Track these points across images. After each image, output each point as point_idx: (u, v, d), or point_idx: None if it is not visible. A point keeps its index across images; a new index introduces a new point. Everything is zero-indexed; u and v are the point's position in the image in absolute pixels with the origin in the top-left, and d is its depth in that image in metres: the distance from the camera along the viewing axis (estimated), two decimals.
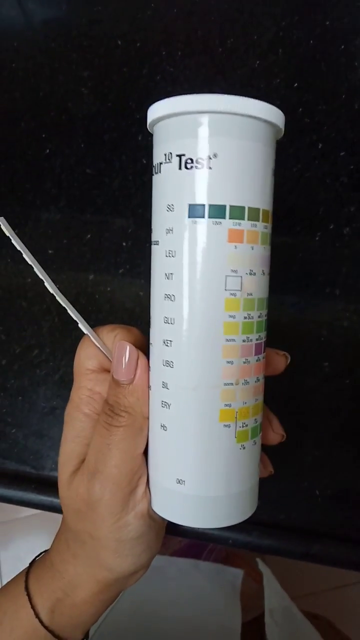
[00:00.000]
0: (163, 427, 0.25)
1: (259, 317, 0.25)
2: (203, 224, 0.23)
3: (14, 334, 0.41)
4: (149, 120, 0.26)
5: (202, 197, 0.23)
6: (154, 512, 0.27)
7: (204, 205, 0.23)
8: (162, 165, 0.24)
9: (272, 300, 0.40)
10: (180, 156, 0.23)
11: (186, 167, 0.23)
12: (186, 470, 0.25)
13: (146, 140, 0.45)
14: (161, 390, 0.25)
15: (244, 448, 0.25)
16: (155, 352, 0.26)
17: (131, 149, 0.45)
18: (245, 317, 0.24)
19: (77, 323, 0.28)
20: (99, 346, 0.28)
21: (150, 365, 0.26)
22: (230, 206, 0.23)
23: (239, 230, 0.23)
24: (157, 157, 0.25)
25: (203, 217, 0.23)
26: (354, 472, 0.36)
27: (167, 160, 0.24)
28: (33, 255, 0.43)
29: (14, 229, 0.44)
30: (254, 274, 0.24)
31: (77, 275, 0.42)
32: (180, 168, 0.23)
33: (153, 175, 0.26)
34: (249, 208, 0.23)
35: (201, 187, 0.23)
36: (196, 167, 0.23)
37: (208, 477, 0.25)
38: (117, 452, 0.26)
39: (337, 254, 0.41)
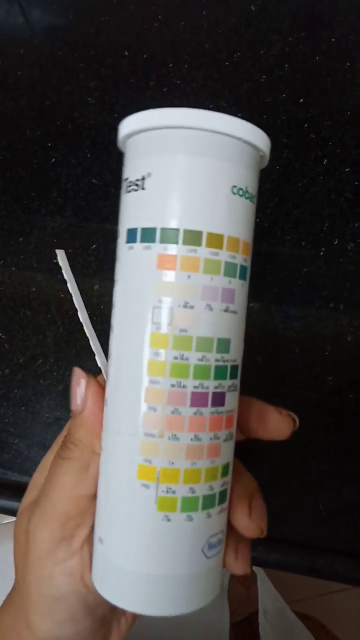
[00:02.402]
0: (99, 473, 0.23)
1: (200, 359, 0.20)
2: (135, 249, 0.21)
3: (17, 343, 0.41)
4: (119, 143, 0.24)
5: (135, 221, 0.21)
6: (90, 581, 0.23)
7: (136, 229, 0.21)
8: (121, 193, 0.23)
9: (277, 315, 0.40)
10: (124, 180, 0.22)
11: (127, 191, 0.21)
12: (103, 528, 0.22)
13: None
14: (102, 432, 0.23)
15: (168, 520, 0.20)
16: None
17: None
18: (175, 357, 0.20)
19: (95, 355, 0.27)
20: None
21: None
22: (161, 229, 0.20)
23: (170, 256, 0.20)
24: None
25: (135, 241, 0.21)
26: (358, 487, 0.36)
27: (122, 187, 0.23)
28: (38, 264, 0.43)
29: (19, 238, 0.44)
30: (191, 307, 0.20)
31: (83, 285, 0.42)
32: (125, 192, 0.22)
33: None
34: (184, 230, 0.20)
35: (136, 209, 0.21)
36: (134, 189, 0.21)
37: (123, 542, 0.21)
38: (56, 487, 0.23)
39: (342, 269, 0.41)
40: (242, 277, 0.22)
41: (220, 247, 0.20)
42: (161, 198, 0.20)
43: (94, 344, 0.26)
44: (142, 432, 0.20)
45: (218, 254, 0.20)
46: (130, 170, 0.21)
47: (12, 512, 0.37)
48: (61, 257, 0.27)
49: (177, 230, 0.20)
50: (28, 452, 0.39)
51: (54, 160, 0.46)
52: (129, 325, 0.21)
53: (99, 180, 0.45)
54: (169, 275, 0.20)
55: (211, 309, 0.21)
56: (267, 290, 0.41)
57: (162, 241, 0.20)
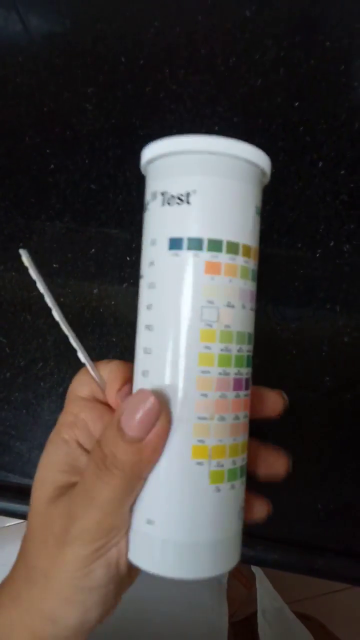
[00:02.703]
0: None
1: (238, 350, 0.24)
2: (181, 256, 0.23)
3: (18, 347, 0.42)
4: (142, 164, 0.27)
5: (181, 231, 0.23)
6: (126, 561, 0.25)
7: (182, 238, 0.23)
8: (149, 203, 0.25)
9: (274, 316, 0.41)
10: (163, 193, 0.24)
11: (168, 204, 0.24)
12: (156, 510, 0.24)
13: None
14: None
15: (218, 490, 0.23)
16: (136, 382, 0.25)
17: (135, 166, 0.46)
18: (222, 350, 0.23)
19: (77, 351, 0.28)
20: (93, 375, 0.28)
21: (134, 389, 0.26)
22: (208, 239, 0.23)
23: (216, 263, 0.23)
24: (146, 197, 0.26)
25: (181, 249, 0.23)
26: (356, 486, 0.36)
27: (153, 198, 0.25)
28: (38, 269, 0.44)
29: (18, 243, 0.45)
30: (233, 306, 0.24)
31: (82, 289, 0.43)
32: (163, 204, 0.24)
33: (143, 214, 0.26)
34: (227, 242, 0.23)
35: (181, 221, 0.23)
36: (177, 203, 0.23)
37: (178, 518, 0.23)
38: (99, 511, 0.23)
39: (338, 271, 0.41)
40: (256, 280, 0.26)
41: (249, 256, 0.24)
42: (207, 213, 0.23)
43: (74, 341, 0.28)
44: (195, 417, 0.23)
45: (248, 262, 0.24)
46: (171, 186, 0.24)
47: (14, 515, 0.38)
48: (25, 257, 0.27)
49: (221, 241, 0.23)
50: (29, 455, 0.40)
51: (52, 166, 0.47)
52: (176, 324, 0.23)
53: (97, 186, 0.46)
54: (216, 279, 0.23)
55: (243, 307, 0.24)
56: (264, 292, 0.41)
57: (209, 250, 0.23)
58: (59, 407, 0.40)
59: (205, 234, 0.23)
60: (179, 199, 0.23)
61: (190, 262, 0.23)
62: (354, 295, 0.41)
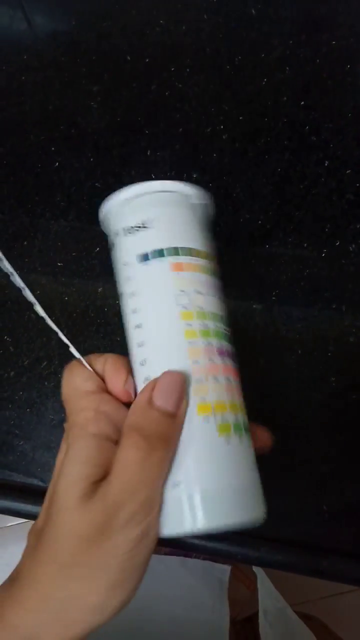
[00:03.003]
0: None
1: (215, 327, 0.29)
2: (151, 264, 0.29)
3: (22, 345, 0.41)
4: (101, 219, 0.34)
5: (145, 247, 0.30)
6: (156, 533, 0.26)
7: (147, 252, 0.30)
8: (114, 241, 0.32)
9: (279, 316, 0.41)
10: (124, 229, 0.31)
11: (130, 233, 0.31)
12: (178, 471, 0.26)
13: (155, 156, 0.46)
14: None
15: (228, 441, 0.27)
16: (136, 372, 0.29)
17: (140, 164, 0.46)
18: (200, 325, 0.28)
19: (68, 347, 0.30)
20: (89, 368, 0.29)
21: (137, 386, 0.29)
22: (166, 248, 0.29)
23: (178, 263, 0.29)
24: (110, 239, 0.33)
25: (149, 259, 0.29)
26: None
27: (116, 236, 0.32)
28: (42, 268, 0.44)
29: (23, 241, 0.45)
30: (201, 293, 0.29)
31: (86, 288, 0.43)
32: (125, 235, 0.31)
33: (112, 253, 0.33)
34: (180, 247, 0.30)
35: (143, 241, 0.30)
36: (137, 230, 0.30)
37: (199, 471, 0.26)
38: (149, 489, 0.25)
39: (344, 271, 0.41)
40: (216, 275, 0.31)
41: (203, 257, 0.31)
42: (161, 231, 0.30)
43: (63, 337, 0.30)
44: (193, 380, 0.27)
45: (202, 261, 0.30)
46: (129, 221, 0.31)
47: (18, 514, 0.38)
48: None
49: (177, 247, 0.30)
50: (33, 454, 0.39)
51: (57, 164, 0.47)
52: (161, 313, 0.29)
53: (102, 184, 0.46)
54: (181, 274, 0.29)
55: (210, 294, 0.30)
56: (269, 291, 0.41)
57: (169, 255, 0.29)
58: (63, 406, 0.40)
59: (164, 245, 0.29)
60: (137, 227, 0.30)
61: (158, 266, 0.29)
62: None
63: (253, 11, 0.50)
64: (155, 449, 0.25)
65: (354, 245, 0.42)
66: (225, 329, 0.30)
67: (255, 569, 0.66)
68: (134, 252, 0.30)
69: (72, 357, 0.41)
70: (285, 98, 0.47)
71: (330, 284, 0.41)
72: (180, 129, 0.47)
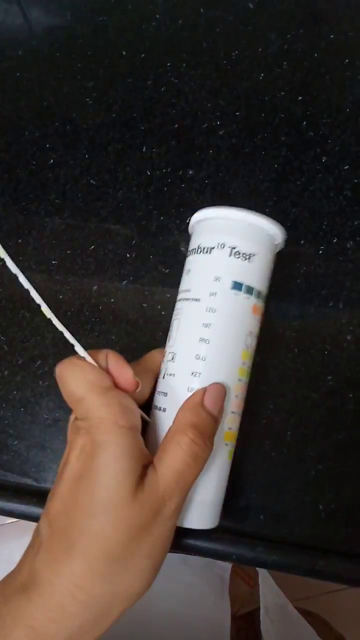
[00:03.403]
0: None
1: (249, 368, 0.33)
2: (240, 296, 0.32)
3: (16, 344, 0.41)
4: (203, 216, 0.34)
5: (243, 278, 0.32)
6: None
7: (242, 283, 0.32)
8: (213, 249, 0.33)
9: (275, 314, 0.40)
10: (232, 247, 0.32)
11: (235, 256, 0.32)
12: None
13: (150, 152, 0.46)
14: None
15: (229, 466, 0.33)
16: (178, 380, 0.32)
17: (135, 161, 0.45)
18: (247, 366, 0.33)
19: (74, 346, 0.30)
20: (94, 364, 0.30)
21: (170, 389, 0.32)
22: (257, 290, 0.33)
23: (257, 306, 0.33)
24: (206, 242, 0.33)
25: (241, 290, 0.32)
26: (358, 487, 0.36)
27: (219, 247, 0.33)
28: (37, 266, 0.43)
29: (17, 239, 0.44)
30: (255, 337, 0.33)
31: (81, 286, 0.42)
32: (230, 255, 0.32)
33: (198, 254, 0.34)
34: (261, 292, 0.33)
35: (241, 271, 0.32)
36: (242, 259, 0.32)
37: (213, 483, 0.32)
38: (192, 481, 0.29)
39: (341, 268, 0.41)
40: None
41: (264, 301, 0.34)
42: (259, 271, 0.33)
43: (69, 336, 0.31)
44: (230, 411, 0.32)
45: (264, 305, 0.34)
46: (241, 245, 0.32)
47: (12, 514, 0.37)
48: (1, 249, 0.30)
49: (261, 291, 0.33)
50: (27, 454, 0.39)
51: (52, 161, 0.46)
52: (229, 343, 0.32)
53: (97, 181, 0.45)
54: (254, 317, 0.33)
55: (256, 338, 0.34)
56: None
57: (255, 296, 0.33)
58: (58, 405, 0.40)
59: (256, 285, 0.33)
60: (244, 256, 0.32)
61: (244, 302, 0.32)
62: (357, 292, 0.40)
63: (250, 5, 0.49)
64: (207, 446, 0.29)
65: (351, 242, 0.41)
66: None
67: None
68: (231, 277, 0.32)
69: (68, 356, 0.41)
70: (282, 93, 0.46)
71: (328, 281, 0.41)
72: (176, 125, 0.46)
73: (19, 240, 0.44)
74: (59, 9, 0.51)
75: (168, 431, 0.29)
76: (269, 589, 0.59)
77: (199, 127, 0.46)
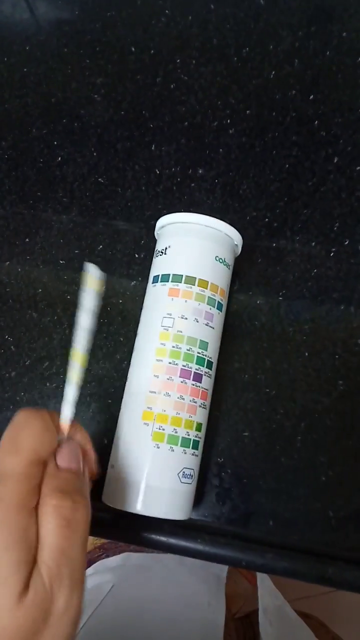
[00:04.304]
0: (118, 421, 0.34)
1: (188, 350, 0.33)
2: (156, 286, 0.35)
3: (24, 345, 0.41)
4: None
5: (159, 271, 0.35)
6: None
7: (158, 275, 0.35)
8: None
9: (286, 317, 0.40)
10: (155, 251, 0.37)
11: (156, 256, 0.36)
12: (115, 456, 0.32)
13: (159, 150, 0.45)
14: (124, 395, 0.35)
15: (158, 447, 0.31)
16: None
17: (144, 159, 0.45)
18: (173, 347, 0.33)
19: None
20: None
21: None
22: (172, 274, 0.34)
23: (176, 289, 0.34)
24: None
25: (157, 282, 0.35)
26: None
27: (153, 257, 0.37)
28: (44, 265, 0.43)
29: (25, 238, 0.44)
30: (185, 318, 0.33)
31: None
32: (155, 257, 0.37)
33: None
34: (185, 276, 0.34)
35: (160, 265, 0.35)
36: (160, 255, 0.36)
37: (128, 462, 0.31)
38: (82, 551, 0.24)
39: (353, 270, 0.40)
40: (219, 308, 0.35)
41: (205, 287, 0.34)
42: (175, 258, 0.35)
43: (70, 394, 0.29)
44: (148, 390, 0.32)
45: (204, 291, 0.34)
46: (159, 245, 0.36)
47: None
48: (94, 273, 0.28)
49: (181, 275, 0.34)
50: None
51: (60, 158, 0.46)
52: (149, 329, 0.34)
53: (106, 179, 0.45)
54: (174, 300, 0.34)
55: (197, 321, 0.34)
56: (276, 291, 0.40)
57: (173, 281, 0.34)
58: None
59: (171, 271, 0.34)
60: (161, 252, 0.36)
61: (160, 289, 0.34)
62: None
63: (261, 1, 0.48)
64: (77, 502, 0.24)
65: None
66: (201, 353, 0.33)
67: None
68: (152, 273, 0.36)
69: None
70: (293, 91, 0.46)
71: (339, 283, 0.40)
72: (186, 123, 0.46)
73: (27, 239, 0.44)
74: (67, 4, 0.50)
75: None
76: (267, 590, 0.59)
77: (209, 125, 0.45)
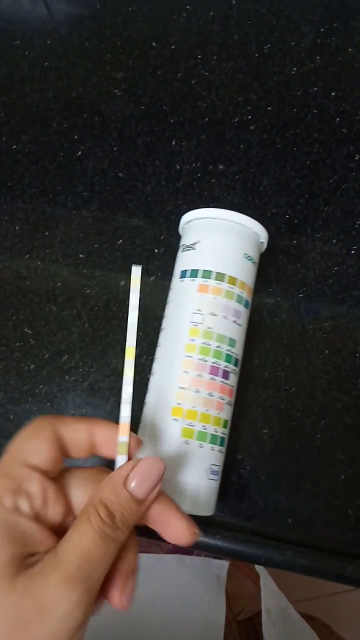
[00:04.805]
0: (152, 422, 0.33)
1: (217, 347, 0.33)
2: (185, 282, 0.34)
3: (43, 338, 0.41)
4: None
5: (187, 266, 0.35)
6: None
7: (187, 270, 0.35)
8: (177, 254, 0.37)
9: (306, 314, 0.40)
10: (182, 245, 0.36)
11: (184, 250, 0.36)
12: (144, 451, 0.32)
13: (180, 146, 0.45)
14: (148, 395, 0.34)
15: (187, 444, 0.31)
16: (154, 372, 0.35)
17: (165, 154, 0.45)
18: (203, 343, 0.32)
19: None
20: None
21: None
22: (202, 270, 0.34)
23: (206, 285, 0.33)
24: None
25: (185, 277, 0.34)
26: None
27: (179, 250, 0.37)
28: (64, 259, 0.43)
29: (44, 232, 0.44)
30: (215, 315, 0.33)
31: (109, 281, 0.42)
32: (182, 251, 0.36)
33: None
34: (216, 272, 0.34)
35: (188, 259, 0.35)
36: (188, 249, 0.35)
37: (170, 464, 0.30)
38: (105, 567, 0.23)
39: None
40: (246, 306, 0.35)
41: (234, 284, 0.34)
42: (204, 254, 0.34)
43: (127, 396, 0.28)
44: (178, 386, 0.32)
45: (233, 288, 0.34)
46: (187, 240, 0.36)
47: None
48: (136, 274, 0.28)
49: (211, 271, 0.34)
50: None
51: (80, 153, 0.46)
52: (177, 324, 0.34)
53: (126, 174, 0.45)
54: (204, 296, 0.33)
55: (226, 318, 0.33)
56: (297, 289, 0.40)
57: (202, 277, 0.34)
58: (84, 401, 0.39)
59: (201, 267, 0.34)
60: (189, 247, 0.35)
61: (189, 285, 0.34)
62: None
63: None
64: (121, 533, 0.24)
65: None
66: (230, 351, 0.33)
67: (257, 568, 0.65)
68: (179, 268, 0.36)
69: (94, 351, 0.41)
70: (315, 88, 0.45)
71: None
72: (207, 119, 0.45)
73: (46, 233, 0.44)
74: None
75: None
76: (270, 591, 0.59)
77: (230, 121, 0.45)
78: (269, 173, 0.44)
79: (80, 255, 0.43)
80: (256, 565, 0.66)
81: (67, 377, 0.40)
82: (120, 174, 0.45)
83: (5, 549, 0.23)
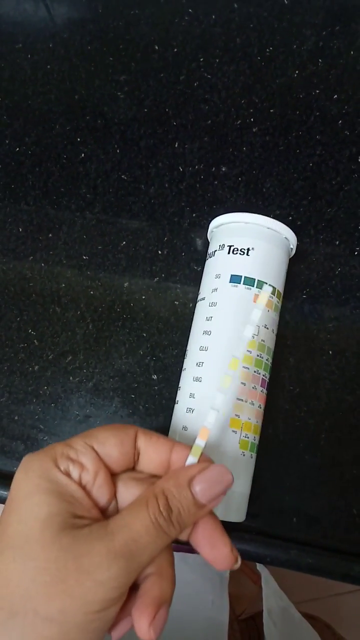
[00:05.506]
0: (184, 428, 0.32)
1: (266, 360, 0.34)
2: (239, 288, 0.33)
3: (47, 339, 0.41)
4: (212, 225, 0.37)
5: (241, 271, 0.34)
6: None
7: (241, 275, 0.34)
8: (216, 251, 0.36)
9: (310, 315, 0.40)
10: (230, 246, 0.35)
11: (232, 252, 0.35)
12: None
13: (183, 148, 0.45)
14: (188, 400, 0.33)
15: (243, 455, 0.32)
16: (187, 371, 0.34)
17: (167, 156, 0.45)
18: (257, 355, 0.33)
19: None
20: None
21: (182, 382, 0.34)
22: (257, 280, 0.33)
23: (260, 295, 0.32)
24: (213, 247, 0.36)
25: (239, 283, 0.34)
26: None
27: (220, 249, 0.35)
28: (68, 260, 0.43)
29: (48, 233, 0.44)
30: (267, 328, 0.34)
31: (112, 283, 0.42)
32: (229, 253, 0.35)
33: (207, 259, 0.37)
34: (262, 281, 0.34)
35: (239, 264, 0.34)
36: (240, 253, 0.34)
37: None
38: (148, 557, 0.23)
39: None
40: (279, 313, 0.36)
41: (279, 297, 0.35)
42: (260, 264, 0.34)
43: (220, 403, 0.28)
44: (235, 397, 0.32)
45: (279, 302, 0.35)
46: (236, 242, 0.35)
47: None
48: (266, 294, 0.29)
49: (265, 283, 0.34)
50: None
51: (83, 155, 0.46)
52: (230, 331, 0.33)
53: (129, 176, 0.45)
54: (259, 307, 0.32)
55: (273, 331, 0.35)
56: (300, 290, 0.40)
57: (257, 287, 0.33)
58: (89, 402, 0.39)
59: (256, 276, 0.34)
60: (242, 251, 0.34)
61: (243, 293, 0.33)
62: None
63: (285, 0, 0.48)
64: (173, 530, 0.24)
65: None
66: (268, 360, 0.34)
67: (259, 567, 0.65)
68: (229, 271, 0.34)
69: (98, 352, 0.41)
70: (317, 91, 0.46)
71: None
72: (209, 121, 0.46)
73: (50, 235, 0.44)
74: (91, 1, 0.50)
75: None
76: (271, 591, 0.59)
77: (232, 124, 0.45)
78: (271, 175, 0.44)
79: (84, 257, 0.43)
80: (258, 565, 0.66)
81: (71, 378, 0.40)
82: (123, 176, 0.45)
83: (54, 502, 0.23)
